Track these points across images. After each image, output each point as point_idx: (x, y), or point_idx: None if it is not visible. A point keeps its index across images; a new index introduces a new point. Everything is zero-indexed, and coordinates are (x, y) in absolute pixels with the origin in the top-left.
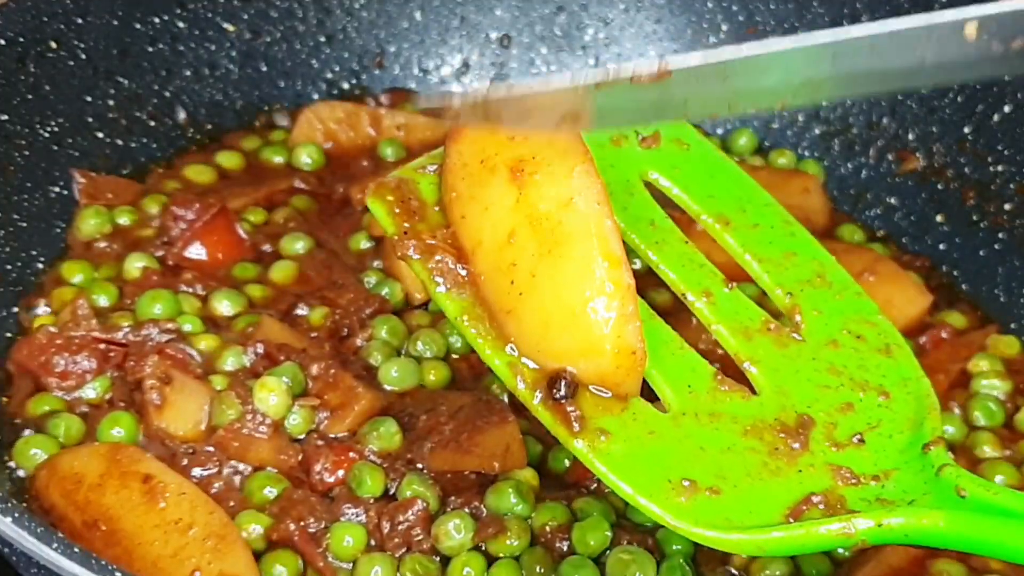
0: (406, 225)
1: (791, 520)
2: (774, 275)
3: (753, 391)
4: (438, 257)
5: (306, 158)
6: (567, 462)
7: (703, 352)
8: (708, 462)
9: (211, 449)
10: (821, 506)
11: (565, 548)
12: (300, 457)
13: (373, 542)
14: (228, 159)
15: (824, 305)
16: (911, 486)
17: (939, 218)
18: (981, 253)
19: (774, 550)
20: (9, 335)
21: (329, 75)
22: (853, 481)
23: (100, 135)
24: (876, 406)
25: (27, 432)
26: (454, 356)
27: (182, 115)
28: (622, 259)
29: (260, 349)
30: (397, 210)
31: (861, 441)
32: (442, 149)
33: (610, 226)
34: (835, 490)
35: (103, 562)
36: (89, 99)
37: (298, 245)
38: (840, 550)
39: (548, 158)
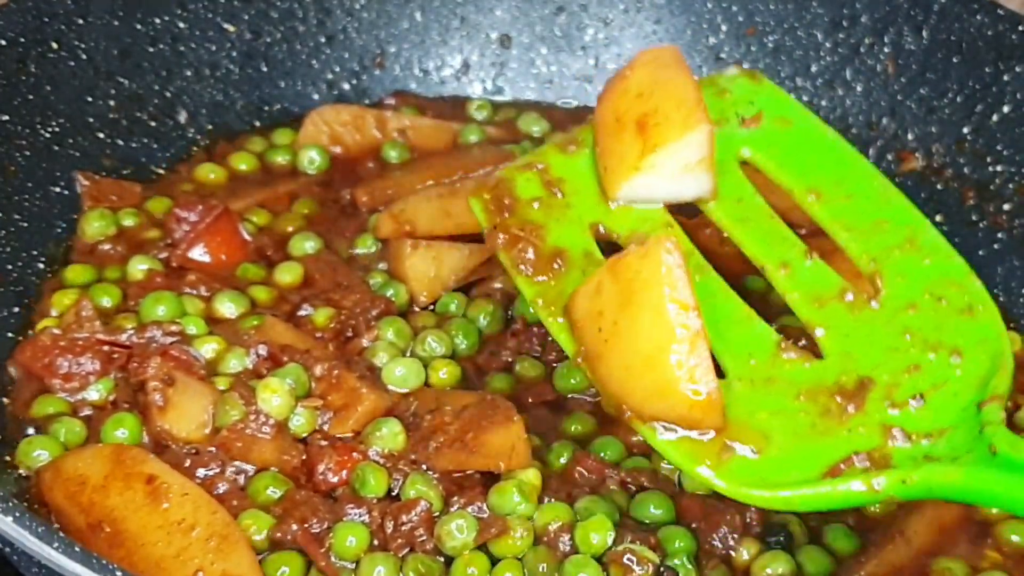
0: (497, 219)
1: (828, 478)
2: (861, 243)
3: (819, 355)
4: (521, 246)
5: (311, 160)
6: (563, 460)
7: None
8: (755, 425)
9: (214, 450)
10: (864, 464)
11: (568, 547)
12: (303, 457)
13: (376, 542)
14: (241, 160)
15: (909, 269)
16: (961, 444)
17: (939, 218)
18: (981, 253)
19: (801, 506)
20: (11, 335)
21: (329, 75)
22: (903, 441)
23: (101, 135)
24: (946, 366)
25: (31, 432)
26: (458, 357)
27: (183, 115)
28: (691, 304)
29: (263, 350)
30: (491, 207)
31: (921, 399)
32: (544, 147)
33: (680, 274)
34: (882, 448)
35: (104, 561)
36: (90, 99)
37: (307, 245)
38: (844, 544)
39: (667, 111)
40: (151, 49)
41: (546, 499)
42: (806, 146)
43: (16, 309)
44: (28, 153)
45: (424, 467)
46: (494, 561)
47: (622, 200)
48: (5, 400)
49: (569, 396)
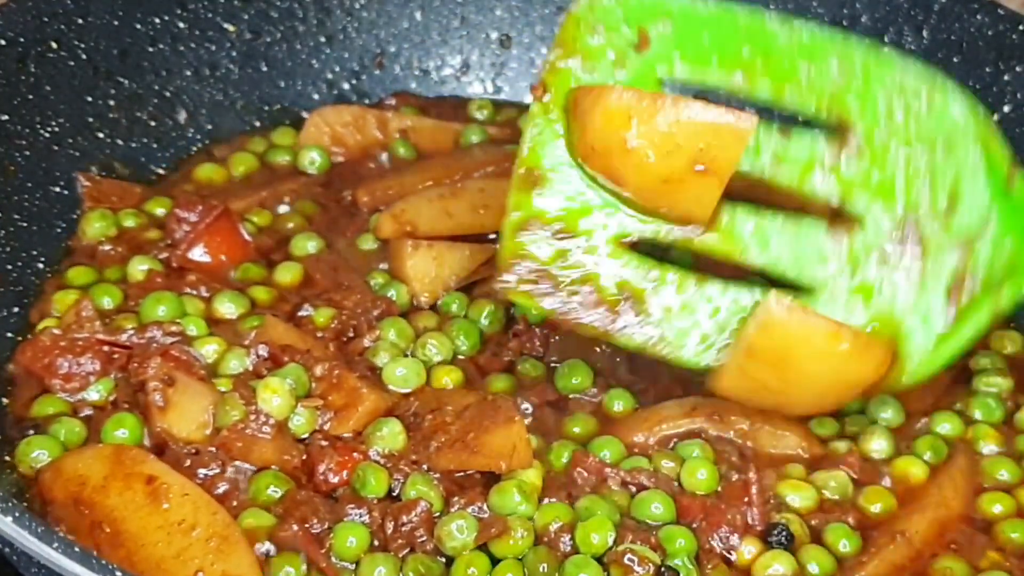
0: None
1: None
2: (809, 96)
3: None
4: None
5: (312, 161)
6: (564, 460)
7: None
8: (887, 313)
9: (214, 450)
10: (970, 284)
11: (568, 548)
12: (304, 458)
13: (376, 543)
14: (241, 160)
15: (866, 100)
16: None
17: None
18: None
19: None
20: (11, 335)
21: (329, 75)
22: (967, 252)
23: (101, 135)
24: (947, 165)
25: (31, 432)
26: (460, 358)
27: (183, 115)
28: (838, 329)
29: (264, 351)
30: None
31: (953, 202)
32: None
33: (814, 316)
34: (960, 270)
35: (103, 561)
36: (90, 99)
37: (308, 245)
38: (845, 544)
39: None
40: (151, 49)
41: (546, 499)
42: (696, 31)
43: (16, 309)
44: (28, 153)
45: (425, 467)
46: (494, 561)
47: None
48: (5, 400)
49: (570, 396)
